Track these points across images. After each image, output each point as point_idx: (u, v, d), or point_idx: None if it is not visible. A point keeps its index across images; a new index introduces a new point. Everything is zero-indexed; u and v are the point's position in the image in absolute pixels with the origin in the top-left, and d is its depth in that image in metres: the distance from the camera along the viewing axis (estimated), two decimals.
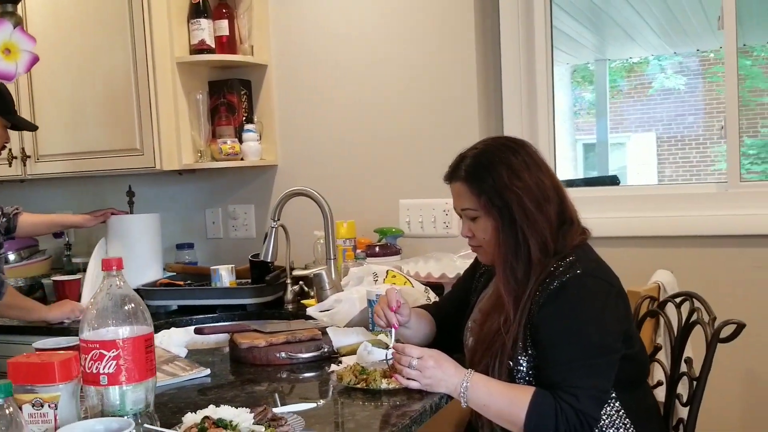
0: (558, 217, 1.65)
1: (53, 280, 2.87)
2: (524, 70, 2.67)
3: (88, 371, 1.30)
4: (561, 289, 1.56)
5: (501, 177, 1.63)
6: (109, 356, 1.30)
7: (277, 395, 1.71)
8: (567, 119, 7.99)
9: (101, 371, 1.30)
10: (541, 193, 1.63)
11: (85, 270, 3.04)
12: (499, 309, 1.65)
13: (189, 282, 2.80)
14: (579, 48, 5.94)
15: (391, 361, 1.75)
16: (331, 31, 2.89)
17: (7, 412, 1.07)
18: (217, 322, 2.55)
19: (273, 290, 2.67)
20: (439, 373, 1.58)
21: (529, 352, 1.59)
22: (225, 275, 2.69)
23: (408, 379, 1.60)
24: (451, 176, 1.72)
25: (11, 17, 1.32)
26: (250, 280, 2.74)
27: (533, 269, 1.61)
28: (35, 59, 1.33)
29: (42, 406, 1.23)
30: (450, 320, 1.93)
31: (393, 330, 1.91)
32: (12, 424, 1.08)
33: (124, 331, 1.32)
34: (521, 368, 1.59)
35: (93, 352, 1.30)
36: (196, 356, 2.05)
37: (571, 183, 3.01)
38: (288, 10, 2.95)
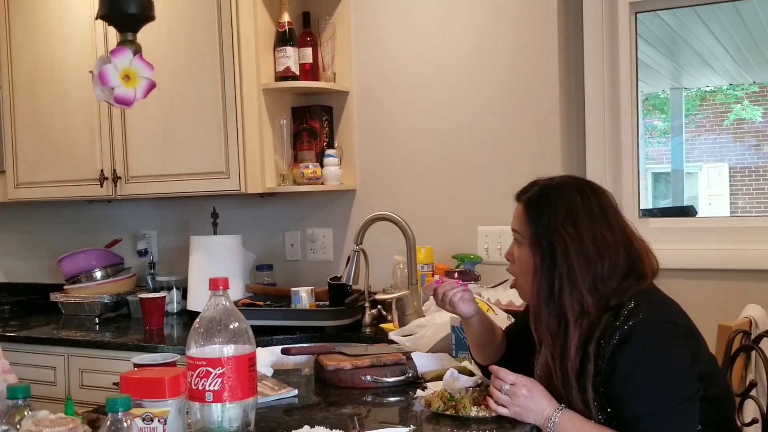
0: (622, 274, 1.58)
1: (139, 298, 2.96)
2: (608, 100, 2.66)
3: (194, 388, 1.35)
4: (624, 340, 1.50)
5: (556, 217, 1.59)
6: (215, 374, 1.34)
7: (365, 419, 1.73)
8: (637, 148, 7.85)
9: (207, 388, 1.34)
10: (596, 248, 1.57)
11: (168, 288, 3.14)
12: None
13: (269, 303, 2.85)
14: (654, 76, 5.88)
15: (477, 389, 1.76)
16: (411, 59, 2.93)
17: (125, 425, 1.12)
18: (298, 343, 2.59)
19: (352, 313, 2.70)
20: (529, 402, 1.57)
21: (608, 410, 1.54)
22: (305, 297, 2.73)
23: (497, 404, 1.60)
24: (518, 195, 1.71)
25: (131, 45, 1.38)
26: (328, 303, 2.78)
27: (570, 327, 1.55)
28: (152, 85, 1.39)
29: (152, 420, 1.28)
30: (515, 346, 1.89)
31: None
32: None
33: (229, 350, 1.37)
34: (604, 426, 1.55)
35: (200, 369, 1.34)
36: (280, 376, 2.09)
37: (648, 212, 2.97)
38: (370, 39, 3.00)
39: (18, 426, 1.14)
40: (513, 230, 1.70)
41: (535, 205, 1.64)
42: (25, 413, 1.16)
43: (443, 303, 1.87)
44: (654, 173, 9.64)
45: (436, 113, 2.90)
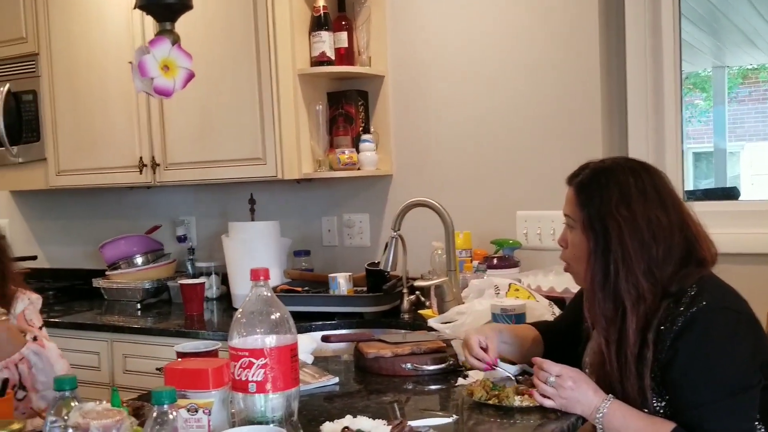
0: (679, 259, 1.55)
1: (180, 284, 2.99)
2: (651, 80, 2.60)
3: (238, 378, 1.35)
4: (686, 326, 1.47)
5: (609, 200, 1.56)
6: (258, 364, 1.34)
7: (406, 407, 1.72)
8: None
9: (250, 379, 1.34)
10: (650, 231, 1.53)
11: (207, 274, 3.16)
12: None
13: (307, 288, 2.86)
14: (695, 54, 5.74)
15: (520, 378, 1.74)
16: (447, 42, 2.90)
17: (170, 417, 1.12)
18: (336, 329, 2.59)
19: (390, 299, 2.70)
20: (576, 394, 1.54)
21: (666, 396, 1.51)
22: (343, 283, 2.73)
23: (543, 396, 1.58)
24: (570, 179, 1.68)
25: (170, 35, 1.38)
26: (365, 288, 2.77)
27: (628, 312, 1.52)
28: (191, 75, 1.39)
29: (196, 411, 1.28)
30: (563, 338, 1.87)
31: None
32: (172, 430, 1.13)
33: (271, 340, 1.37)
34: (659, 412, 1.52)
35: (242, 359, 1.35)
36: (320, 363, 2.09)
37: (692, 194, 2.91)
38: (405, 22, 2.97)
39: (66, 418, 1.15)
40: (565, 215, 1.67)
41: (586, 189, 1.61)
42: (72, 405, 1.18)
43: None
44: (695, 153, 9.46)
45: (473, 96, 2.87)
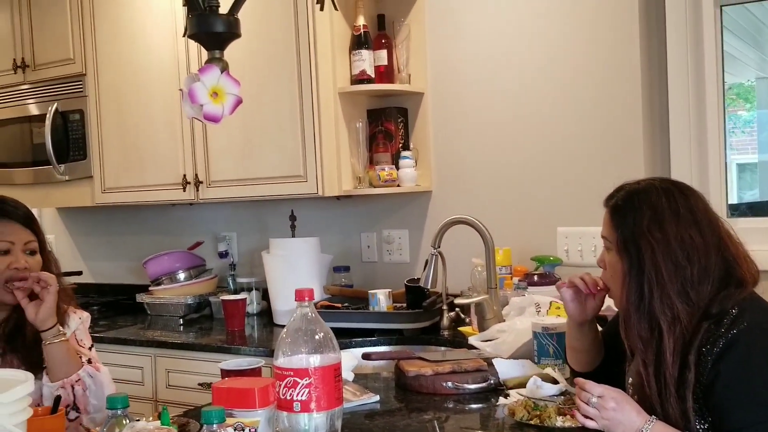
0: (717, 279, 1.53)
1: (221, 300, 3.03)
2: (692, 94, 2.58)
3: (283, 397, 1.37)
4: (728, 348, 1.46)
5: (641, 221, 1.57)
6: (302, 384, 1.36)
7: (446, 426, 1.73)
8: None
9: (294, 398, 1.36)
10: (684, 252, 1.53)
11: (248, 289, 3.20)
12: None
13: (346, 304, 2.87)
14: (738, 65, 5.67)
15: (562, 398, 1.74)
16: (487, 59, 2.91)
17: None
18: (376, 346, 2.61)
19: (430, 316, 2.70)
20: (618, 415, 1.53)
21: (709, 418, 1.49)
22: (383, 299, 2.75)
23: (585, 416, 1.57)
24: (606, 201, 1.69)
25: (219, 62, 1.42)
26: (405, 305, 2.78)
27: (664, 333, 1.52)
28: (239, 101, 1.42)
29: (243, 430, 1.30)
30: (605, 354, 1.86)
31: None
32: None
33: (315, 360, 1.38)
34: None
35: (287, 379, 1.37)
36: (361, 381, 2.10)
37: (736, 208, 2.87)
38: (444, 39, 2.99)
39: None
40: (602, 237, 1.69)
41: (620, 211, 1.63)
42: (124, 423, 1.21)
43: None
44: (739, 164, 9.33)
45: (512, 112, 2.87)
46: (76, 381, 1.84)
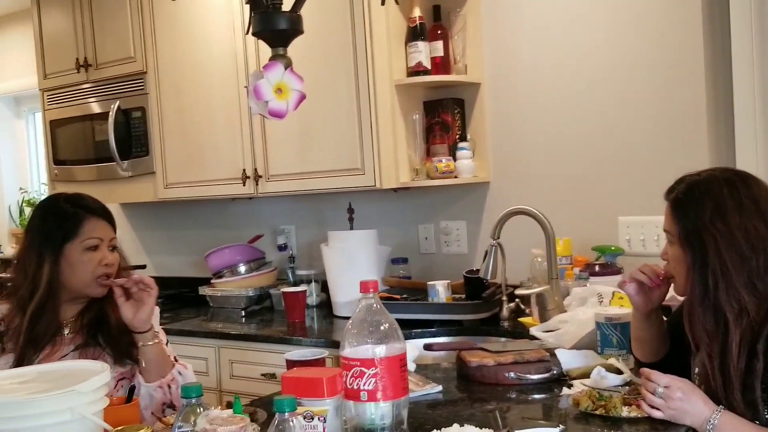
0: None
1: (282, 292, 3.08)
2: (758, 81, 2.52)
3: (350, 387, 1.39)
4: None
5: (704, 214, 1.56)
6: (369, 374, 1.38)
7: (510, 416, 1.73)
8: None
9: (361, 388, 1.38)
10: (749, 243, 1.52)
11: (307, 281, 3.24)
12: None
13: (405, 296, 2.89)
14: None
15: (626, 388, 1.73)
16: (544, 48, 2.88)
17: (290, 424, 1.17)
18: (436, 337, 2.62)
19: (489, 307, 2.70)
20: (685, 405, 1.52)
21: None
22: (442, 291, 2.75)
23: (651, 407, 1.56)
24: (666, 194, 1.69)
25: (282, 59, 1.44)
26: (464, 296, 2.78)
27: (730, 326, 1.50)
28: (303, 97, 1.45)
29: (312, 419, 1.33)
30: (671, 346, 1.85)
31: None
32: None
33: (381, 350, 1.40)
34: None
35: (354, 369, 1.39)
36: (422, 371, 2.11)
37: None
38: (501, 29, 2.98)
39: (193, 424, 1.22)
40: (665, 230, 1.69)
41: (681, 204, 1.62)
42: (199, 411, 1.24)
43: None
44: None
45: (570, 100, 2.84)
46: (171, 380, 1.86)
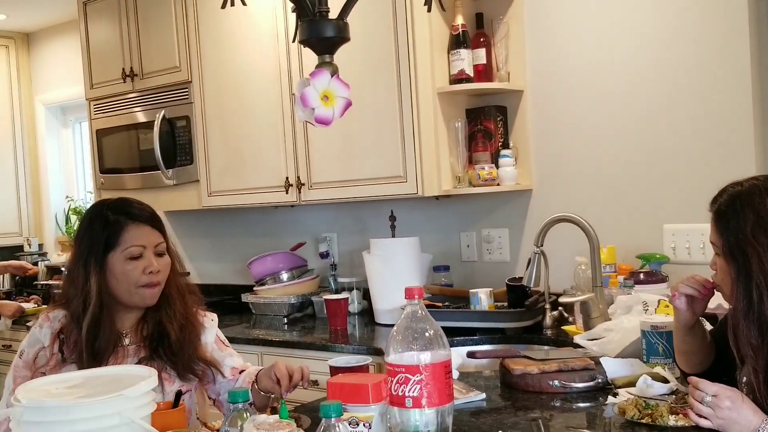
0: None
1: (324, 299, 3.09)
2: None
3: (395, 393, 1.40)
4: None
5: (745, 226, 1.55)
6: (414, 380, 1.38)
7: (554, 424, 1.72)
8: None
9: (406, 394, 1.39)
10: None
11: (349, 289, 3.25)
12: None
13: (447, 304, 2.88)
14: None
15: (673, 397, 1.70)
16: (587, 55, 2.86)
17: (337, 429, 1.18)
18: (478, 345, 2.61)
19: (532, 315, 2.68)
20: (734, 414, 1.50)
21: None
22: (484, 298, 2.74)
23: (699, 416, 1.54)
24: (710, 205, 1.68)
25: (329, 66, 1.45)
26: (506, 304, 2.77)
27: None
28: (349, 104, 1.45)
29: (357, 425, 1.34)
30: (716, 358, 1.82)
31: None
32: None
33: (426, 357, 1.40)
34: None
35: (399, 375, 1.39)
36: (465, 379, 2.11)
37: None
38: (543, 36, 2.96)
39: (241, 429, 1.23)
40: (711, 242, 1.68)
41: (724, 216, 1.62)
42: (246, 416, 1.26)
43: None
44: None
45: (614, 107, 2.82)
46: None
